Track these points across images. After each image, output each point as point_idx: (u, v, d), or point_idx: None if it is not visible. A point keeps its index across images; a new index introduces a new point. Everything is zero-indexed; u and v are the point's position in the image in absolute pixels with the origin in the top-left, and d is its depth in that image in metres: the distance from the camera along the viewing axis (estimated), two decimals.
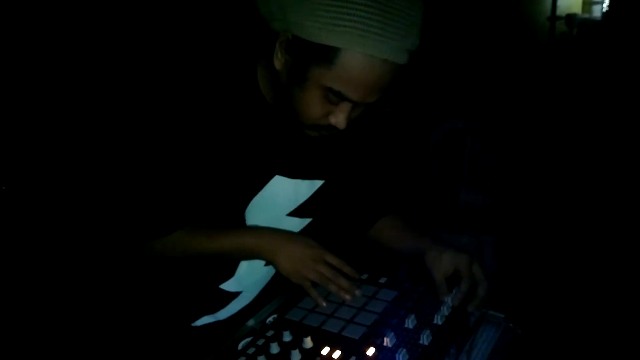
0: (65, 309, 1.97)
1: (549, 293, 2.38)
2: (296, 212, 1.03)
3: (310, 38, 0.75)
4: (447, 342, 0.81)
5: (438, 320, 0.86)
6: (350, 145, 1.06)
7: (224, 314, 1.07)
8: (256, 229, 0.99)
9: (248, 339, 0.85)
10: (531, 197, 3.20)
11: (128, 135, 0.98)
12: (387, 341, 0.80)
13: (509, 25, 4.28)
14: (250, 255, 0.98)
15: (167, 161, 0.90)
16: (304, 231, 1.06)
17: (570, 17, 4.46)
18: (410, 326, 0.85)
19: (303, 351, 0.80)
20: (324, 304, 0.92)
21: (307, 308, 0.93)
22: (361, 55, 0.74)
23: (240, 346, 0.84)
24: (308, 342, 0.81)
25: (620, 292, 2.32)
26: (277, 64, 0.82)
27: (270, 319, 0.91)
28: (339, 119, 0.82)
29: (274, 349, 0.81)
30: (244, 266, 1.03)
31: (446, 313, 0.88)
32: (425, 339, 0.80)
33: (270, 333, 0.86)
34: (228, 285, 1.04)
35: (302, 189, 1.01)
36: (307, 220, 1.06)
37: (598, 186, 3.29)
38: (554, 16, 4.43)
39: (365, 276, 1.02)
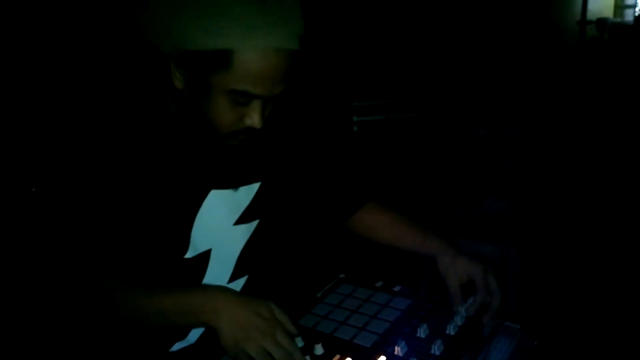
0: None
1: (569, 304, 2.33)
2: (242, 219, 0.99)
3: (200, 47, 0.75)
4: (460, 353, 0.81)
5: (451, 330, 0.86)
6: (278, 142, 1.04)
7: (193, 336, 1.01)
8: (205, 287, 0.92)
9: None
10: (557, 206, 3.13)
11: (48, 177, 0.93)
12: (398, 350, 0.80)
13: (538, 29, 4.21)
14: (190, 318, 0.85)
15: (90, 199, 0.86)
16: (255, 235, 1.02)
17: (601, 21, 4.36)
18: (423, 335, 0.84)
19: (314, 357, 0.81)
20: None
21: (321, 314, 0.93)
22: (253, 50, 0.75)
23: None
24: (319, 349, 0.82)
25: None
26: (177, 83, 0.82)
27: None
28: (254, 119, 0.82)
29: None
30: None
31: (459, 323, 0.88)
32: (436, 349, 0.80)
33: None
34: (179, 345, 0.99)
35: (240, 196, 0.98)
36: (255, 224, 1.02)
37: (629, 197, 3.20)
38: (584, 20, 4.34)
39: (379, 284, 1.02)
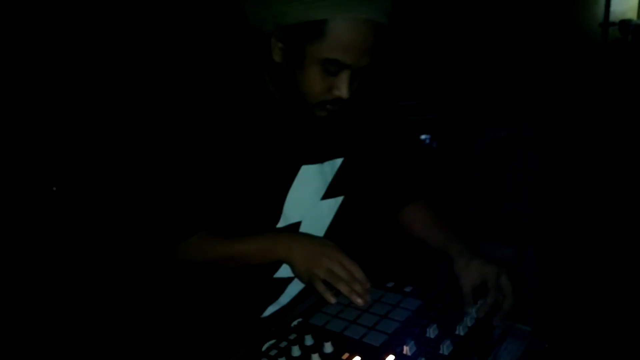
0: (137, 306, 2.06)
1: (585, 307, 2.30)
2: (328, 194, 1.08)
3: (298, 20, 0.84)
4: (469, 354, 0.81)
5: (460, 331, 0.86)
6: (361, 121, 1.11)
7: (285, 299, 1.11)
8: (275, 231, 1.03)
9: (272, 341, 0.88)
10: (575, 209, 3.09)
11: (145, 139, 1.05)
12: (406, 350, 0.80)
13: (559, 31, 4.16)
14: (268, 255, 0.99)
15: (184, 163, 0.96)
16: (341, 210, 1.10)
17: (624, 23, 4.29)
18: (432, 336, 0.85)
19: (323, 355, 0.82)
20: (333, 300, 0.93)
21: (331, 313, 0.94)
22: (345, 19, 0.83)
23: (264, 348, 0.87)
24: (329, 347, 0.83)
25: None
26: (277, 56, 0.92)
27: (295, 322, 0.93)
28: (341, 89, 0.90)
29: (295, 351, 0.82)
30: None
31: (469, 324, 0.88)
32: (445, 349, 0.80)
33: (293, 336, 0.88)
34: (281, 273, 1.09)
35: (326, 171, 1.07)
36: (340, 199, 1.10)
37: None
38: (606, 22, 4.27)
39: (391, 284, 1.03)
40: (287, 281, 1.10)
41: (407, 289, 1.00)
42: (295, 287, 1.11)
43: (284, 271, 1.08)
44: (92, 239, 2.25)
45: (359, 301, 0.91)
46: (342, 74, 0.89)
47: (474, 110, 3.72)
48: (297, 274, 0.96)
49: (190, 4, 2.54)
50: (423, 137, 3.38)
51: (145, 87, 2.28)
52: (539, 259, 2.29)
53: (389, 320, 0.90)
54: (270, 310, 1.11)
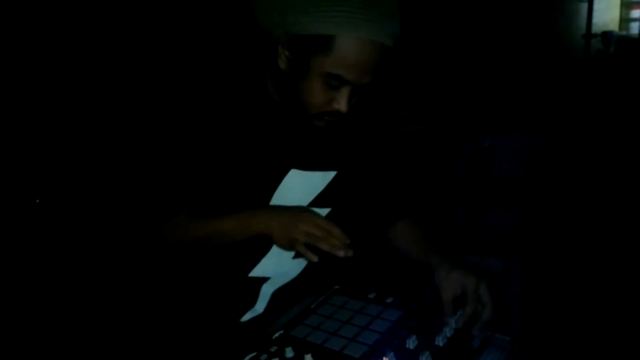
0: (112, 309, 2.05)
1: (568, 318, 2.31)
2: (315, 203, 1.09)
3: (307, 32, 0.86)
4: None
5: (439, 341, 0.86)
6: (359, 137, 1.13)
7: (261, 304, 1.11)
8: (255, 207, 1.04)
9: (252, 354, 0.88)
10: (561, 219, 3.12)
11: (141, 127, 1.08)
12: None
13: (543, 42, 4.23)
14: (246, 230, 1.00)
15: (175, 148, 1.01)
16: None
17: (606, 35, 4.37)
18: (411, 347, 0.85)
19: None
20: (315, 259, 0.92)
21: (313, 325, 0.94)
22: (353, 38, 0.85)
23: None
24: (309, 359, 0.83)
25: None
26: (282, 64, 0.94)
27: (277, 334, 0.93)
28: (341, 103, 0.92)
29: None
30: (270, 259, 1.08)
31: (448, 335, 0.88)
32: None
33: (273, 349, 0.88)
34: (256, 272, 1.09)
35: (316, 181, 1.08)
36: (326, 211, 1.11)
37: (635, 211, 3.18)
38: (589, 33, 4.35)
39: (372, 295, 1.03)
40: (262, 280, 1.10)
41: (389, 300, 1.01)
42: (270, 287, 1.11)
43: (259, 270, 1.09)
44: (81, 223, 2.25)
45: (341, 253, 0.91)
46: (343, 89, 0.91)
47: (459, 120, 3.76)
48: (278, 243, 0.97)
49: (204, 2, 2.59)
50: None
51: (146, 78, 2.32)
52: (525, 269, 2.30)
53: (369, 331, 0.91)
54: (248, 316, 1.11)
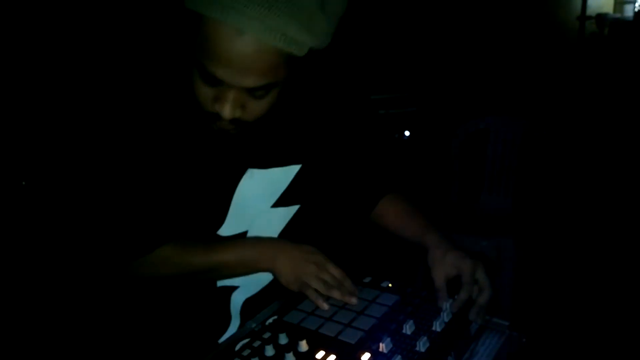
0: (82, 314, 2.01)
1: (562, 301, 2.32)
2: (280, 202, 1.01)
3: (190, 7, 0.71)
4: (445, 350, 0.80)
5: (437, 327, 0.84)
6: (322, 125, 1.03)
7: (234, 322, 1.05)
8: (255, 238, 0.99)
9: (245, 341, 0.85)
10: (554, 202, 3.12)
11: (82, 155, 0.99)
12: (382, 347, 0.79)
13: (537, 25, 4.19)
14: (251, 265, 0.96)
15: (124, 175, 0.90)
16: (294, 220, 1.04)
17: (601, 17, 4.34)
18: (408, 332, 0.83)
19: (298, 354, 0.80)
20: (326, 307, 0.90)
21: (307, 311, 0.92)
22: (217, 22, 0.69)
23: (237, 347, 0.84)
24: (303, 346, 0.81)
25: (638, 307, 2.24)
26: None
27: (270, 320, 0.91)
28: (222, 107, 0.77)
29: (269, 351, 0.80)
30: None
31: (446, 320, 0.86)
32: (421, 346, 0.79)
33: (267, 335, 0.85)
34: (224, 282, 1.03)
35: (278, 177, 0.99)
36: (295, 208, 1.03)
37: (626, 193, 3.19)
38: (583, 16, 4.32)
39: (367, 279, 1.01)
40: (230, 290, 1.04)
41: (384, 284, 0.99)
42: (240, 296, 1.05)
43: (228, 280, 1.03)
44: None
45: (354, 300, 0.90)
46: (224, 90, 0.76)
47: (453, 102, 3.73)
48: (286, 284, 0.93)
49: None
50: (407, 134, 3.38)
51: (76, 100, 2.20)
52: (518, 251, 2.30)
53: (365, 316, 0.89)
54: (226, 336, 1.04)
